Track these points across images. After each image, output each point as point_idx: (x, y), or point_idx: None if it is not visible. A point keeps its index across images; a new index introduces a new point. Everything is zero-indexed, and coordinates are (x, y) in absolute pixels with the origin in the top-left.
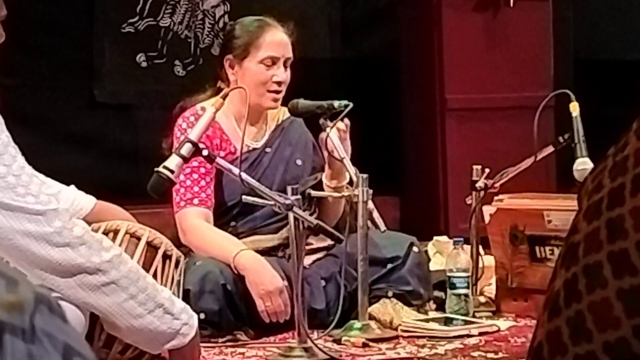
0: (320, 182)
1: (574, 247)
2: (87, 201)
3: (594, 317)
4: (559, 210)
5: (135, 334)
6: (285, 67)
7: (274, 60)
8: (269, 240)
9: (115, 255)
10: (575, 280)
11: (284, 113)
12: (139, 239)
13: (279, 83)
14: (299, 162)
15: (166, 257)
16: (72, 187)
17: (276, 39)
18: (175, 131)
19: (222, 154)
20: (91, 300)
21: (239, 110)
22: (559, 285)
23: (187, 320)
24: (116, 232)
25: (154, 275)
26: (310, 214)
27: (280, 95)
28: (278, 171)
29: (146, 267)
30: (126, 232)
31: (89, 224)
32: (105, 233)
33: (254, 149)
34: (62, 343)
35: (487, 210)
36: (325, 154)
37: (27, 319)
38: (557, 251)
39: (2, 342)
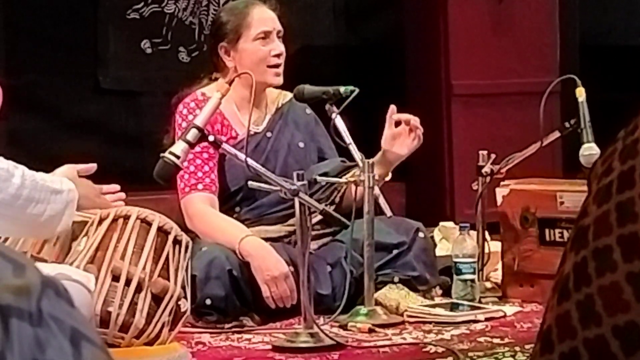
0: (340, 172)
1: (584, 231)
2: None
3: (604, 300)
4: (573, 192)
5: (40, 228)
6: (279, 39)
7: (266, 34)
8: (276, 231)
9: (21, 175)
10: (584, 263)
11: (284, 97)
12: (149, 224)
13: (277, 56)
14: (301, 144)
15: (176, 242)
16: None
17: (264, 15)
18: (177, 117)
19: (224, 139)
20: (20, 220)
21: (239, 95)
22: (569, 269)
23: (68, 185)
24: (127, 217)
25: (166, 260)
26: (330, 203)
27: (281, 69)
28: (280, 155)
29: (158, 252)
30: (137, 218)
31: None
32: (115, 219)
33: (255, 134)
34: (69, 327)
35: (500, 191)
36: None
37: (34, 303)
38: (566, 234)
39: (9, 325)
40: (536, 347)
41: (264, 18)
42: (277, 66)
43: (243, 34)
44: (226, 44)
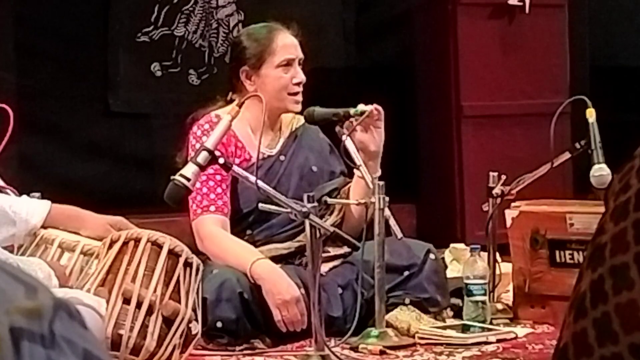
0: (344, 186)
1: (601, 248)
2: (40, 211)
3: (620, 318)
4: (582, 214)
5: None
6: (299, 66)
7: (289, 62)
8: (285, 247)
9: None
10: (601, 281)
11: (298, 120)
12: (160, 247)
13: (299, 84)
14: (314, 168)
15: (187, 264)
16: (25, 197)
17: (288, 42)
18: (190, 139)
19: (237, 161)
20: None
21: (254, 118)
22: (585, 287)
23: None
24: (137, 240)
25: (177, 283)
26: (334, 223)
27: (301, 97)
28: (293, 178)
29: (169, 275)
30: (148, 241)
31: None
32: (126, 242)
33: (269, 157)
34: (81, 349)
35: (510, 213)
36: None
37: (46, 325)
38: (577, 256)
39: (20, 348)
40: None
41: (288, 45)
42: (297, 94)
43: (267, 60)
44: (248, 69)
